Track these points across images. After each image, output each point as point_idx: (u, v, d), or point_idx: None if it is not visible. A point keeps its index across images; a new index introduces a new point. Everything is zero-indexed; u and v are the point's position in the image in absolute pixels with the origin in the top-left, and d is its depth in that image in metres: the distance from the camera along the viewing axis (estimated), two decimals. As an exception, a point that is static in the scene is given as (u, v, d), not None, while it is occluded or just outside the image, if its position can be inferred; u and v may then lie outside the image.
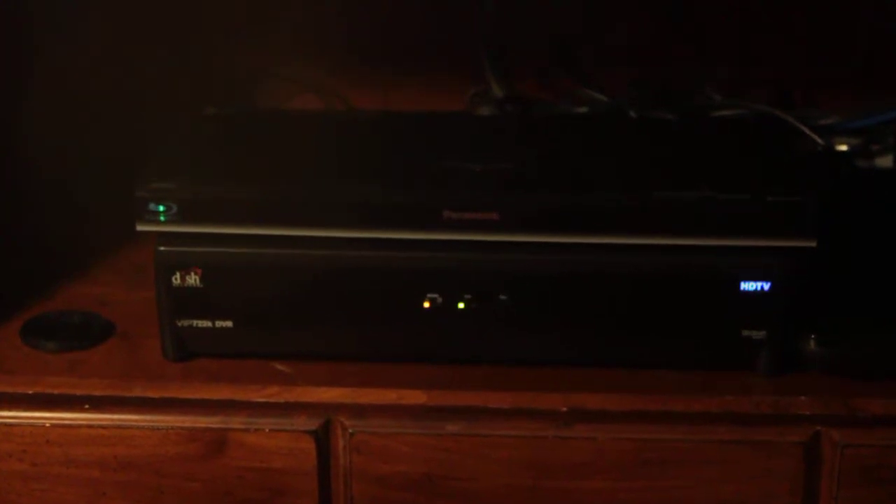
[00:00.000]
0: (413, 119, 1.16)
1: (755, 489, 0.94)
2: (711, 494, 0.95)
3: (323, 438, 0.95)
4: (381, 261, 0.96)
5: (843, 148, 1.22)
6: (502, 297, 0.96)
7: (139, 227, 0.96)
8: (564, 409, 0.95)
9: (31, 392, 0.97)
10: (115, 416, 0.96)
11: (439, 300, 0.96)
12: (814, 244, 0.93)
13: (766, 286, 0.94)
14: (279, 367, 0.99)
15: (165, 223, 0.95)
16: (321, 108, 1.30)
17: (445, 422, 0.95)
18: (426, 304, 0.96)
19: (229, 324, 0.97)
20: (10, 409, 0.96)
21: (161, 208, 0.95)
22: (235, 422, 0.95)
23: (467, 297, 0.96)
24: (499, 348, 0.98)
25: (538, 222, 0.94)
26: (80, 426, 0.96)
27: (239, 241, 0.96)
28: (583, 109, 1.27)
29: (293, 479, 0.96)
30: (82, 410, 0.96)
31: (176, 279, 0.96)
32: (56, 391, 0.97)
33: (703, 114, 1.24)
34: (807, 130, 1.20)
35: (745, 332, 0.95)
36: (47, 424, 0.96)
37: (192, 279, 0.96)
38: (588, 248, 0.94)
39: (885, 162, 1.23)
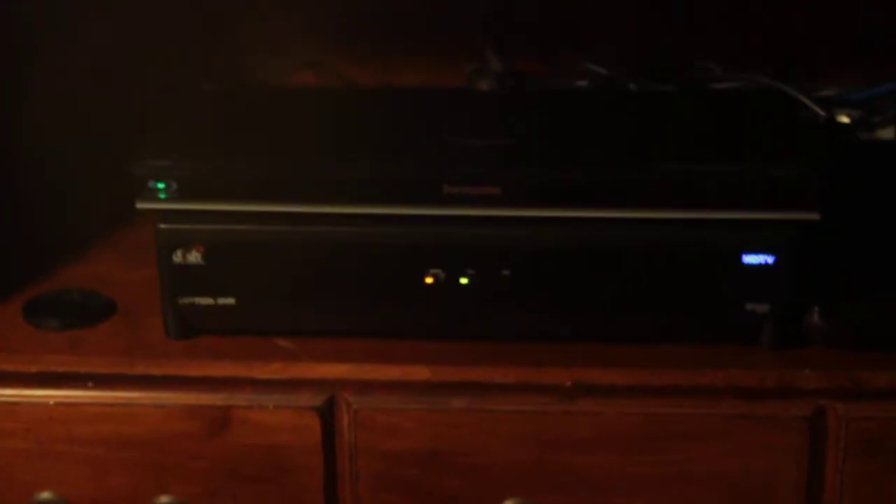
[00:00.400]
0: (412, 94, 1.16)
1: (760, 463, 0.94)
2: (716, 468, 0.95)
3: (327, 415, 0.95)
4: (382, 236, 0.95)
5: (845, 120, 1.22)
6: (505, 272, 0.95)
7: (139, 205, 0.95)
8: (569, 383, 0.95)
9: (34, 370, 0.96)
10: (118, 394, 0.96)
11: (442, 276, 0.96)
12: (817, 217, 0.93)
13: (770, 259, 0.94)
14: (282, 343, 0.98)
15: (165, 200, 0.95)
16: (320, 84, 1.30)
17: (450, 397, 0.95)
18: (429, 280, 0.96)
19: (232, 301, 0.97)
20: (13, 387, 0.96)
21: (161, 185, 0.94)
22: (239, 399, 0.95)
23: (470, 272, 0.96)
24: (502, 323, 0.98)
25: (540, 196, 0.94)
26: (83, 404, 0.95)
27: (240, 217, 0.95)
28: (583, 83, 1.26)
29: (298, 456, 0.96)
30: (85, 388, 0.96)
31: (177, 256, 0.96)
32: (59, 369, 0.96)
33: (704, 86, 1.24)
34: (809, 102, 1.20)
35: (749, 306, 0.95)
36: (51, 402, 0.96)
37: (194, 256, 0.96)
38: (591, 222, 0.94)
39: (886, 134, 1.22)
